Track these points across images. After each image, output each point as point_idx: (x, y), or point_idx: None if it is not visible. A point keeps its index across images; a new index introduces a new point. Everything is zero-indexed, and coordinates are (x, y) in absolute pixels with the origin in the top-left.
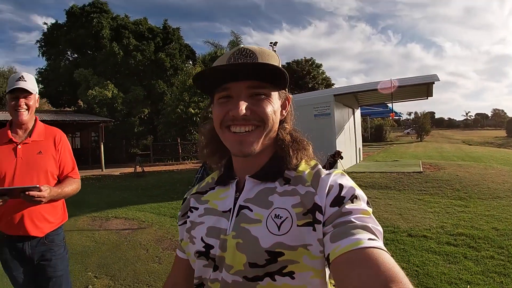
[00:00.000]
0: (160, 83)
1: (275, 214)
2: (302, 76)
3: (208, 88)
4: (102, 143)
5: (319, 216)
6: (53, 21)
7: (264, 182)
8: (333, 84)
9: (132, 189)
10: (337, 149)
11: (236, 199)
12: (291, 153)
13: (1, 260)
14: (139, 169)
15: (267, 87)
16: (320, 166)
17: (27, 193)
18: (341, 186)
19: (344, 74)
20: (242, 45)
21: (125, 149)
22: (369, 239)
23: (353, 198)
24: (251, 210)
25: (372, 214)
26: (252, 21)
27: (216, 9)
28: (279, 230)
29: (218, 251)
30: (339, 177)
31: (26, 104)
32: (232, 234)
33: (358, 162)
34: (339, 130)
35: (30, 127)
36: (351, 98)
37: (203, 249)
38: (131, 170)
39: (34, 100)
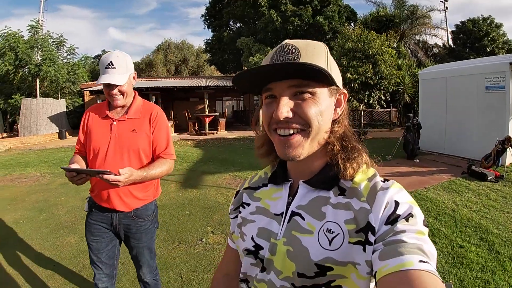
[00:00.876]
0: None
1: (327, 228)
2: (479, 37)
3: (255, 88)
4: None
5: (371, 237)
6: None
7: (318, 189)
8: None
9: None
10: (510, 134)
11: (289, 203)
12: (340, 163)
13: (86, 224)
14: None
15: (311, 85)
16: (378, 178)
17: (100, 175)
18: (397, 203)
19: None
20: (286, 40)
21: None
22: (420, 261)
23: (409, 216)
24: (303, 219)
25: (427, 235)
26: None
27: None
28: (330, 245)
29: (268, 253)
30: (396, 192)
31: (120, 91)
32: (283, 240)
33: None
34: None
35: (128, 105)
36: None
37: (253, 249)
38: None
39: (129, 82)
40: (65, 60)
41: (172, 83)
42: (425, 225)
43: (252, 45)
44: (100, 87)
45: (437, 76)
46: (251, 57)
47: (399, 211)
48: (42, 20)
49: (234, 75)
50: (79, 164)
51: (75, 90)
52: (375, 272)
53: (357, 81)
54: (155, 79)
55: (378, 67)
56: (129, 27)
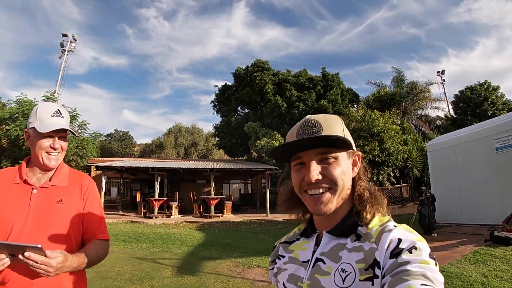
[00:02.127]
0: None
1: (342, 269)
2: (479, 103)
3: (285, 158)
4: (268, 189)
5: (377, 271)
6: (223, 83)
7: (338, 237)
8: None
9: None
10: None
11: (314, 251)
12: (367, 208)
13: None
14: None
15: (334, 151)
16: (390, 223)
17: (26, 255)
18: (399, 240)
19: None
20: (308, 116)
21: None
22: (423, 284)
23: (412, 249)
24: (324, 263)
25: (432, 265)
26: (415, 53)
27: (376, 50)
28: (343, 283)
29: None
30: (400, 231)
31: (61, 147)
32: (307, 283)
33: None
34: None
35: (54, 170)
36: None
37: None
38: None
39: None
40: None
41: (179, 165)
42: (431, 257)
43: (259, 129)
44: (107, 163)
45: (445, 145)
46: (258, 141)
47: (402, 246)
48: (57, 93)
49: (242, 159)
50: None
51: (82, 164)
52: None
53: (365, 159)
54: (163, 160)
55: (384, 144)
56: (143, 110)
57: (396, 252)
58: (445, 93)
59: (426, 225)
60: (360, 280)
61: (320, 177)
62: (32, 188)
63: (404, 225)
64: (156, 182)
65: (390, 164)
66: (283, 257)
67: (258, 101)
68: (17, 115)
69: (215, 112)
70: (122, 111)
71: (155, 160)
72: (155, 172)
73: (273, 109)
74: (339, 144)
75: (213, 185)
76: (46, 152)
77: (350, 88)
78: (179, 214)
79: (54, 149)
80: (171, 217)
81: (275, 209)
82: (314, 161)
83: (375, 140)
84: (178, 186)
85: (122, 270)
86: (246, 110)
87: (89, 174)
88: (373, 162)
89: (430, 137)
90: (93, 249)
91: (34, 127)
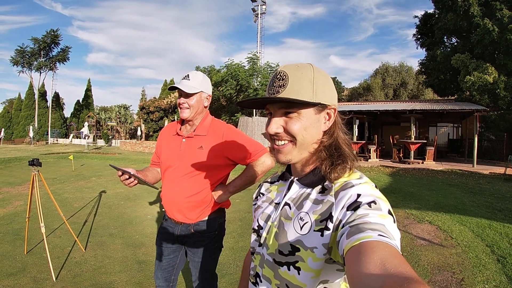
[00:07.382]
0: None
1: (300, 217)
2: None
3: (258, 107)
4: (476, 135)
5: (329, 224)
6: (423, 12)
7: (306, 187)
8: None
9: (484, 194)
10: None
11: (285, 195)
12: (323, 168)
13: (157, 232)
14: (510, 170)
15: (297, 106)
16: (355, 180)
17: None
18: (359, 195)
19: None
20: (280, 67)
21: (507, 145)
22: (379, 235)
23: (371, 203)
24: (290, 208)
25: (391, 220)
26: None
27: None
28: (301, 230)
29: (264, 233)
30: (361, 187)
31: (187, 103)
32: (275, 223)
33: None
34: None
35: (197, 123)
36: None
37: (256, 228)
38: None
39: (198, 99)
40: None
41: (376, 107)
42: (390, 214)
43: (469, 62)
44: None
45: None
46: (468, 76)
47: (361, 200)
48: (259, 52)
49: (451, 98)
50: (142, 174)
51: None
52: (343, 251)
53: None
54: (369, 103)
55: None
56: (349, 54)
57: (355, 206)
58: None
59: None
60: (314, 230)
61: (280, 130)
62: (182, 138)
63: (368, 182)
64: (354, 125)
65: None
66: (263, 195)
67: (465, 28)
68: (227, 77)
69: (418, 46)
70: (328, 58)
71: (361, 103)
72: (352, 115)
73: (482, 36)
74: (299, 102)
75: (414, 128)
76: (178, 107)
77: None
78: (377, 158)
79: (180, 104)
80: (369, 160)
81: (486, 159)
82: (277, 115)
83: None
84: (381, 128)
85: None
86: (453, 40)
87: None
88: None
89: None
90: (245, 173)
91: None
